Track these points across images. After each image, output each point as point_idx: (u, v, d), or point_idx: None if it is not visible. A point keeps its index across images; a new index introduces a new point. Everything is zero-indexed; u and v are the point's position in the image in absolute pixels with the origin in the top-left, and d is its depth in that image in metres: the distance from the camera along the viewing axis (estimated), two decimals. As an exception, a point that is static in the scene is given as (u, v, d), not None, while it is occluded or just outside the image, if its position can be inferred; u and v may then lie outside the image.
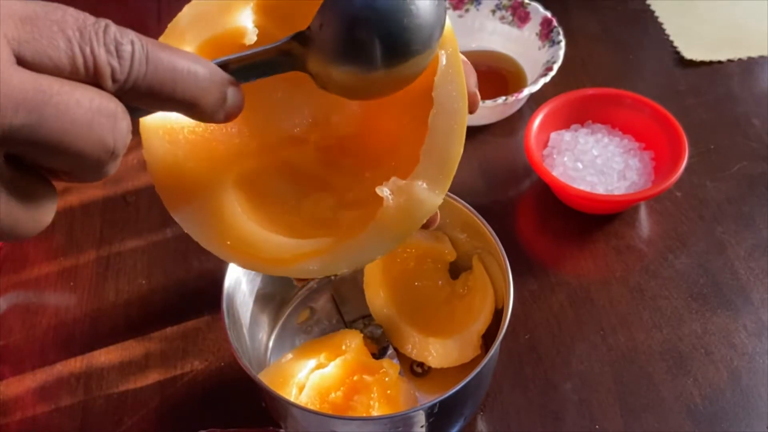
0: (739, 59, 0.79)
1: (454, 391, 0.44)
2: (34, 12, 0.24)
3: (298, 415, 0.48)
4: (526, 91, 0.69)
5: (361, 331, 0.56)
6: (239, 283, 0.52)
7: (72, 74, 0.24)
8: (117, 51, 0.25)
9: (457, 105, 0.33)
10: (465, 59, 0.35)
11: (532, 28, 0.76)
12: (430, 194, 0.33)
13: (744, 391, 0.55)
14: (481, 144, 0.73)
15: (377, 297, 0.56)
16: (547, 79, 0.70)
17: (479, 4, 0.78)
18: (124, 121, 0.25)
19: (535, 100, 0.72)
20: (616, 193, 0.64)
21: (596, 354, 0.58)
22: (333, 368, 0.52)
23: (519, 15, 0.77)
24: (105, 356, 0.59)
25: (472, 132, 0.74)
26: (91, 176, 0.26)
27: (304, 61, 0.31)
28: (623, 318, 0.60)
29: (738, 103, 0.75)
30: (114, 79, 0.25)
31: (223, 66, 0.29)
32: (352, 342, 0.54)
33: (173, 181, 0.34)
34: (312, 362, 0.53)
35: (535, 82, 0.70)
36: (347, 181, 0.38)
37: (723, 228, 0.65)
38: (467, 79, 0.34)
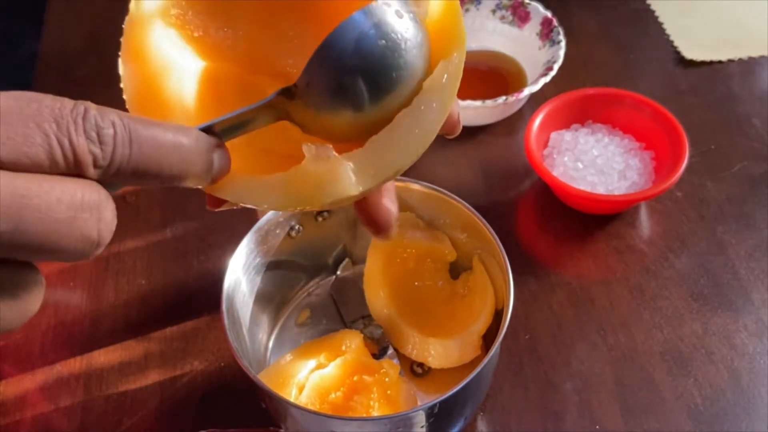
0: (740, 59, 0.79)
1: (454, 391, 0.44)
2: (6, 108, 0.23)
3: (298, 415, 0.48)
4: (526, 91, 0.69)
5: (361, 332, 0.56)
6: (239, 283, 0.52)
7: (52, 168, 0.23)
8: (98, 136, 0.24)
9: (432, 118, 0.32)
10: None
11: (533, 27, 0.76)
12: (349, 181, 0.31)
13: (744, 392, 0.55)
14: (481, 144, 0.73)
15: (377, 297, 0.56)
16: (548, 79, 0.70)
17: (479, 4, 0.78)
18: (107, 210, 0.25)
19: (535, 100, 0.72)
20: (616, 193, 0.64)
21: (596, 354, 0.57)
22: (333, 368, 0.52)
23: (519, 15, 0.77)
24: (105, 356, 0.59)
25: (472, 132, 0.74)
26: (76, 260, 0.25)
27: (289, 112, 0.32)
28: (623, 318, 0.59)
29: (738, 103, 0.75)
30: (96, 166, 0.24)
31: (208, 129, 0.29)
32: (352, 342, 0.54)
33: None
34: (312, 362, 0.53)
35: (535, 82, 0.70)
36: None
37: (723, 228, 0.65)
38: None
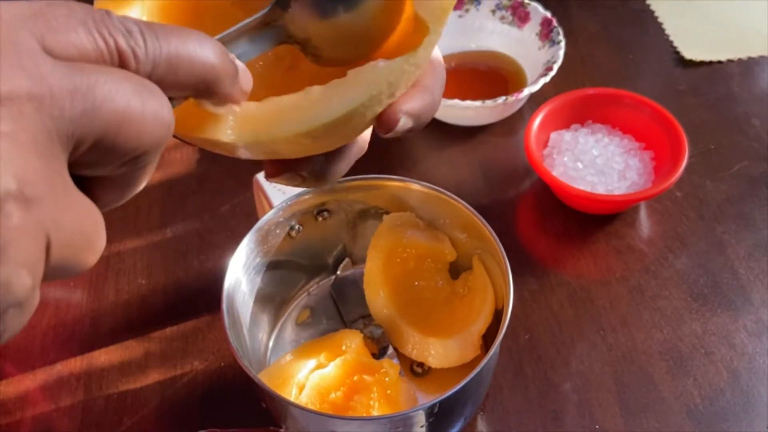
0: (739, 59, 0.79)
1: (454, 391, 0.44)
2: (40, 9, 0.22)
3: (298, 415, 0.48)
4: (526, 91, 0.69)
5: (361, 331, 0.56)
6: (239, 283, 0.52)
7: (98, 61, 0.23)
8: (129, 33, 0.24)
9: (373, 93, 0.29)
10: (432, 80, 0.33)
11: (532, 28, 0.76)
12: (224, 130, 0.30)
13: (744, 391, 0.55)
14: (481, 144, 0.73)
15: (377, 297, 0.56)
16: (547, 79, 0.70)
17: (479, 4, 0.78)
18: (164, 96, 0.24)
19: (535, 100, 0.72)
20: (616, 193, 0.64)
21: (596, 354, 0.58)
22: (333, 368, 0.52)
23: (519, 15, 0.77)
24: (105, 356, 0.59)
25: (472, 132, 0.74)
26: (134, 182, 0.25)
27: (288, 30, 0.31)
28: (623, 318, 0.60)
29: (738, 103, 0.75)
30: (138, 60, 0.24)
31: None
32: (352, 342, 0.54)
33: None
34: (312, 362, 0.53)
35: (535, 82, 0.70)
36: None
37: (723, 228, 0.65)
38: (407, 95, 0.31)
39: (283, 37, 0.31)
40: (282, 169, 0.33)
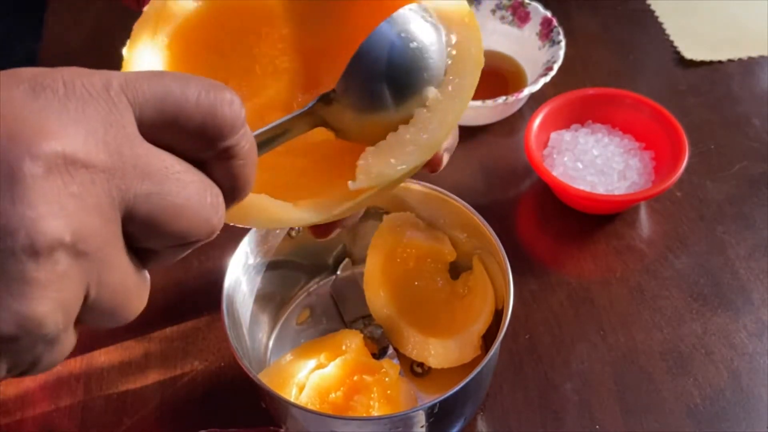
0: (739, 59, 0.79)
1: (454, 391, 0.44)
2: (161, 80, 0.25)
3: (298, 415, 0.48)
4: (526, 91, 0.69)
5: (361, 331, 0.56)
6: (239, 283, 0.52)
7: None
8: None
9: (433, 137, 0.33)
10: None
11: (532, 27, 0.76)
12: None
13: (744, 391, 0.55)
14: (481, 144, 0.73)
15: (377, 297, 0.56)
16: (547, 79, 0.70)
17: (479, 4, 0.78)
18: (221, 198, 0.26)
19: (535, 100, 0.72)
20: (616, 193, 0.64)
21: (596, 354, 0.57)
22: (333, 368, 0.52)
23: (519, 15, 0.77)
24: (105, 356, 0.59)
25: (472, 132, 0.74)
26: (177, 256, 0.27)
27: (325, 118, 0.34)
28: (623, 318, 0.60)
29: (738, 103, 0.75)
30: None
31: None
32: (352, 342, 0.54)
33: None
34: (312, 362, 0.53)
35: (535, 82, 0.70)
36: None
37: (723, 228, 0.65)
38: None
39: (320, 123, 0.34)
40: (332, 227, 0.39)
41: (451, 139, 0.37)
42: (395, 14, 0.33)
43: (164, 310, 0.62)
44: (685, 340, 0.58)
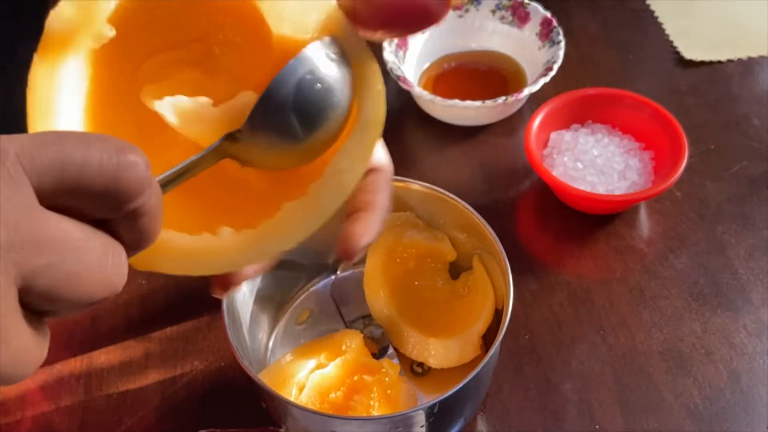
0: (739, 59, 0.79)
1: (454, 391, 0.44)
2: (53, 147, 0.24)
3: (298, 415, 0.48)
4: (526, 91, 0.69)
5: (361, 331, 0.56)
6: (239, 283, 0.52)
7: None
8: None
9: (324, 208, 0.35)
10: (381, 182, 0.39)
11: (532, 28, 0.76)
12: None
13: (744, 391, 0.55)
14: (481, 144, 0.73)
15: (377, 297, 0.56)
16: (547, 79, 0.70)
17: (479, 4, 0.78)
18: (123, 256, 0.26)
19: (535, 100, 0.72)
20: (616, 193, 0.64)
21: (596, 354, 0.57)
22: (333, 368, 0.52)
23: (519, 15, 0.77)
24: (105, 356, 0.59)
25: (472, 132, 0.74)
26: (78, 311, 0.26)
27: (231, 153, 0.34)
28: (623, 318, 0.60)
29: (738, 103, 0.75)
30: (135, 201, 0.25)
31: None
32: (352, 342, 0.54)
33: None
34: (312, 362, 0.53)
35: (535, 82, 0.70)
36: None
37: (723, 228, 0.65)
38: (362, 226, 0.37)
39: (226, 156, 0.34)
40: (230, 281, 0.38)
41: (370, 234, 0.37)
42: (301, 54, 0.33)
43: (164, 310, 0.62)
44: (685, 340, 0.58)
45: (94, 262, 0.24)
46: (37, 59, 0.33)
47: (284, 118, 0.33)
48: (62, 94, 0.34)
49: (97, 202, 0.24)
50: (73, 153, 0.23)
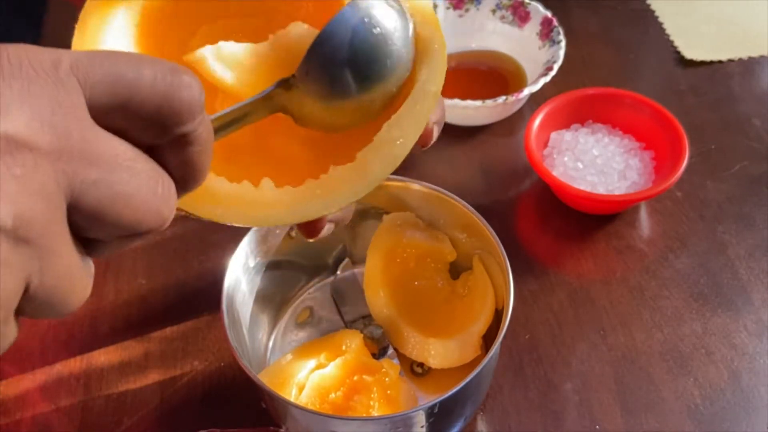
0: (739, 59, 0.79)
1: (454, 391, 0.44)
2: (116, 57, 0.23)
3: (298, 415, 0.48)
4: (526, 91, 0.69)
5: (361, 331, 0.56)
6: (239, 283, 0.52)
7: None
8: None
9: (396, 154, 0.33)
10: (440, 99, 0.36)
11: (533, 27, 0.76)
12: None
13: (744, 391, 0.55)
14: (481, 144, 0.73)
15: (377, 297, 0.56)
16: (547, 78, 0.70)
17: (479, 3, 0.78)
18: (173, 188, 0.25)
19: (535, 100, 0.72)
20: (616, 193, 0.64)
21: (596, 354, 0.57)
22: (333, 368, 0.52)
23: (519, 15, 0.77)
24: (105, 356, 0.59)
25: (472, 132, 0.74)
26: (124, 246, 0.26)
27: (285, 104, 0.32)
28: (623, 318, 0.60)
29: (738, 103, 0.75)
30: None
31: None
32: (352, 342, 0.54)
33: None
34: (312, 362, 0.53)
35: (535, 82, 0.70)
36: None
37: (723, 228, 0.65)
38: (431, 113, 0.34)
39: (279, 109, 0.33)
40: (319, 226, 0.37)
41: (439, 112, 0.36)
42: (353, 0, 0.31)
43: (164, 310, 0.62)
44: (685, 340, 0.58)
45: (144, 185, 0.24)
46: (89, 3, 0.32)
47: (340, 64, 0.31)
48: (108, 41, 0.32)
49: (149, 123, 0.24)
50: (127, 69, 0.23)
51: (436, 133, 0.36)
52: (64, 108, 0.22)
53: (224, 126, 0.30)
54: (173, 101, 0.24)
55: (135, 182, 0.23)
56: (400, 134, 0.33)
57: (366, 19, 0.31)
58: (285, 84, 0.32)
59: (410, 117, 0.33)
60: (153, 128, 0.24)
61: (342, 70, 0.31)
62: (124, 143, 0.24)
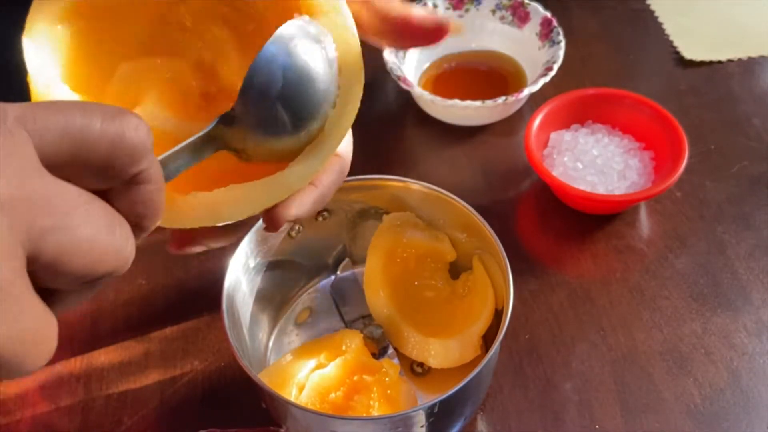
0: (739, 59, 0.79)
1: (454, 391, 0.44)
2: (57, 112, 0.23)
3: (298, 415, 0.48)
4: (526, 91, 0.69)
5: (361, 331, 0.56)
6: (239, 283, 0.52)
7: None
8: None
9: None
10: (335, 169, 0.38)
11: (532, 28, 0.76)
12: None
13: (744, 391, 0.55)
14: (481, 144, 0.73)
15: (377, 297, 0.56)
16: (547, 79, 0.70)
17: (479, 4, 0.78)
18: (131, 234, 0.26)
19: (535, 100, 0.72)
20: (616, 193, 0.64)
21: (596, 354, 0.57)
22: (333, 368, 0.52)
23: (519, 15, 0.77)
24: (105, 356, 0.59)
25: (472, 132, 0.74)
26: (86, 296, 0.26)
27: (227, 141, 0.34)
28: (623, 318, 0.60)
29: (738, 103, 0.75)
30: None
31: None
32: (352, 342, 0.54)
33: None
34: (312, 362, 0.53)
35: (535, 82, 0.70)
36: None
37: (723, 228, 0.65)
38: (297, 197, 0.35)
39: (221, 147, 0.34)
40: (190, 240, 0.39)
41: (302, 206, 0.36)
42: (279, 33, 0.33)
43: (164, 310, 0.62)
44: (685, 340, 0.58)
45: (102, 228, 0.24)
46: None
47: (271, 99, 0.33)
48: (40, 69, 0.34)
49: (100, 166, 0.24)
50: (74, 116, 0.23)
51: (285, 226, 0.38)
52: (14, 158, 0.22)
53: (173, 167, 0.31)
54: (123, 143, 0.24)
55: (93, 225, 0.23)
56: (301, 174, 0.34)
57: (290, 55, 0.33)
58: (226, 119, 0.33)
59: (313, 159, 0.35)
60: (105, 171, 0.24)
61: (274, 106, 0.33)
62: (78, 189, 0.24)
